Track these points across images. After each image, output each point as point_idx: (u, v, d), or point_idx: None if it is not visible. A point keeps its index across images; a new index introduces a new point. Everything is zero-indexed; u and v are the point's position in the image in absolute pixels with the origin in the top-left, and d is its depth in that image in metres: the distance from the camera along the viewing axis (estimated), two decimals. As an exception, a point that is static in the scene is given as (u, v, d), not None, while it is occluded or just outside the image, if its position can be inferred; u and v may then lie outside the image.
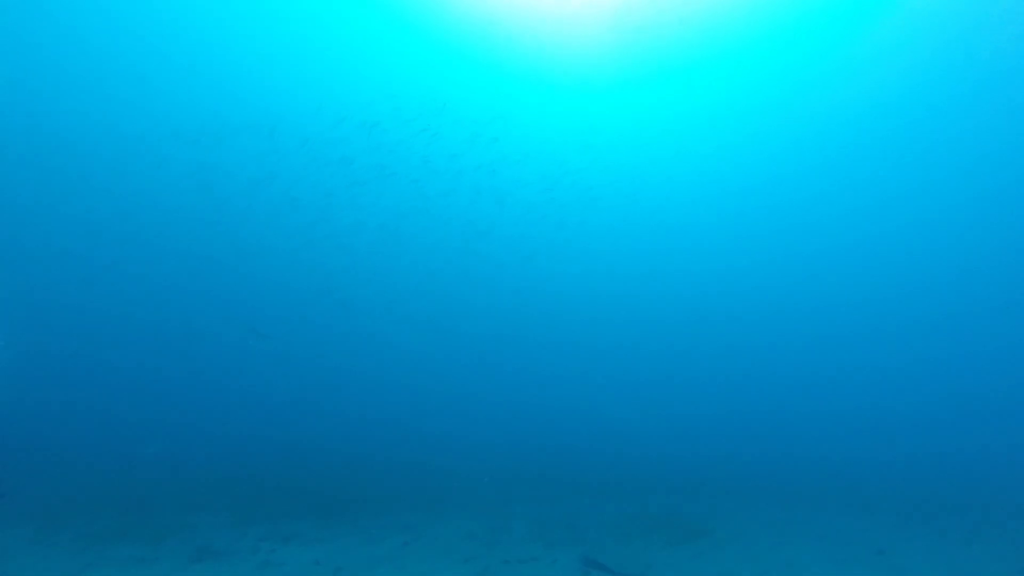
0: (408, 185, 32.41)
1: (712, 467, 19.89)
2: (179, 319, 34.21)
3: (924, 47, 26.11)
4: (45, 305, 30.54)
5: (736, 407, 35.58)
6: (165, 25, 26.20)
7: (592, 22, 26.07)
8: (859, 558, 9.19)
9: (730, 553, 9.42)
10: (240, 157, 30.72)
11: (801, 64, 27.93)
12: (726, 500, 14.14)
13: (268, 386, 33.01)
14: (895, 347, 39.28)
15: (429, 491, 14.20)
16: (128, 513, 10.93)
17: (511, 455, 20.94)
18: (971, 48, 25.59)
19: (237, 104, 29.75)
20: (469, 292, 39.23)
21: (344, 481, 15.14)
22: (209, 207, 31.95)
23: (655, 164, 35.05)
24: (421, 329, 39.16)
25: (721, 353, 41.09)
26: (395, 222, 34.32)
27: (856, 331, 40.48)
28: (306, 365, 35.74)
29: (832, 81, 28.88)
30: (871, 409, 33.99)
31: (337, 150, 30.20)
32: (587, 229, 38.18)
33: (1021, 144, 30.02)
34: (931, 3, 24.02)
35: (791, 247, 39.75)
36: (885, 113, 30.33)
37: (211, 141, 29.37)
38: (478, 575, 8.10)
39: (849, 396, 36.27)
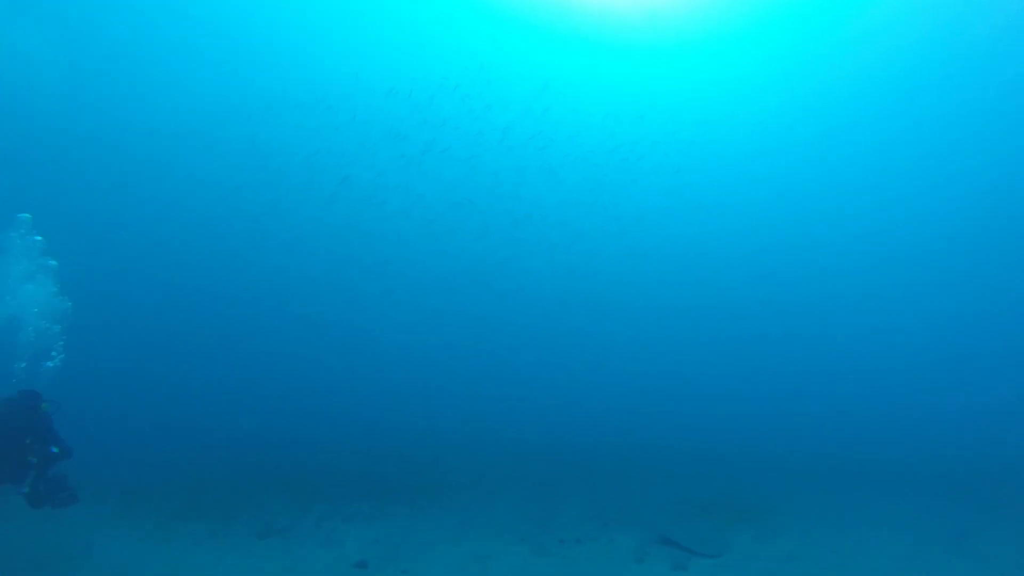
0: (463, 161, 31.91)
1: (768, 448, 19.25)
2: (235, 301, 35.29)
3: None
4: (117, 298, 31.91)
5: (794, 386, 34.27)
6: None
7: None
8: (936, 541, 8.68)
9: (794, 534, 9.08)
10: (291, 134, 30.99)
11: (872, 26, 26.30)
12: (786, 482, 13.66)
13: (323, 370, 33.80)
14: (971, 321, 37.02)
15: (483, 473, 14.32)
16: (199, 493, 11.49)
17: (564, 437, 20.88)
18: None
19: (286, 79, 29.77)
20: (520, 271, 38.93)
21: (400, 463, 15.45)
22: (262, 185, 32.57)
23: (717, 136, 33.53)
24: (473, 309, 39.21)
25: (781, 329, 39.67)
26: (450, 200, 33.90)
27: (927, 307, 38.38)
28: (358, 348, 36.40)
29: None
30: (950, 386, 31.99)
31: (387, 124, 29.94)
32: (640, 205, 37.11)
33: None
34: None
35: (863, 221, 37.74)
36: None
37: (264, 118, 29.58)
38: (534, 553, 8.10)
39: (922, 373, 34.27)
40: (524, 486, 13.03)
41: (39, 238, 8.53)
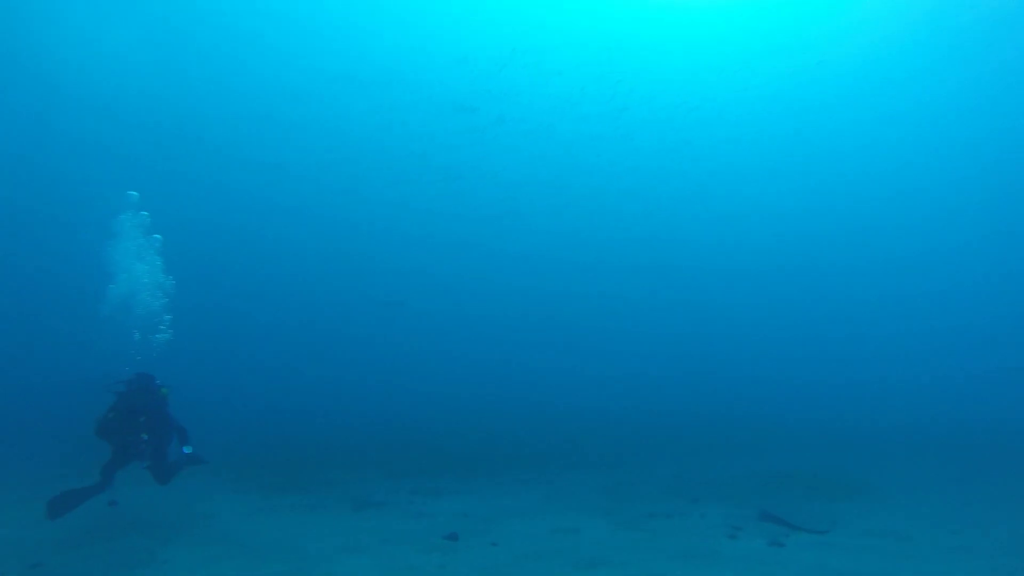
0: (537, 138, 31.04)
1: (867, 418, 18.11)
2: (327, 285, 36.67)
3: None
4: (219, 278, 33.75)
5: (893, 350, 31.99)
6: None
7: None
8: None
9: (903, 510, 8.49)
10: (359, 112, 31.14)
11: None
12: (890, 454, 12.82)
13: (409, 351, 34.78)
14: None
15: (566, 447, 14.37)
16: (299, 468, 12.25)
17: (649, 410, 20.57)
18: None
19: (354, 57, 29.71)
20: (596, 241, 38.08)
21: (484, 439, 15.77)
22: (334, 165, 33.25)
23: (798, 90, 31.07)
24: (555, 287, 38.97)
25: (874, 291, 37.08)
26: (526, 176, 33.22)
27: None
28: (441, 328, 37.13)
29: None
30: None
31: (458, 98, 29.36)
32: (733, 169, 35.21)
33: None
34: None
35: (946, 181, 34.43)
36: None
37: (335, 96, 29.73)
38: (622, 526, 8.03)
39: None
40: (608, 460, 12.96)
41: (146, 214, 9.20)
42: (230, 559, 6.47)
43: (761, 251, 38.68)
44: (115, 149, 31.59)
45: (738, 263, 38.95)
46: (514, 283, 39.17)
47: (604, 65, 28.89)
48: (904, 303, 37.31)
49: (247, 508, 9.05)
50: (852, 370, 30.44)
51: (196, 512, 8.61)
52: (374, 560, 6.53)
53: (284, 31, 28.76)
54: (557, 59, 28.46)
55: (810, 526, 7.81)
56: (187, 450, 7.91)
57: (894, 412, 20.11)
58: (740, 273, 39.04)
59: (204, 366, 23.51)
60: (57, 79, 28.24)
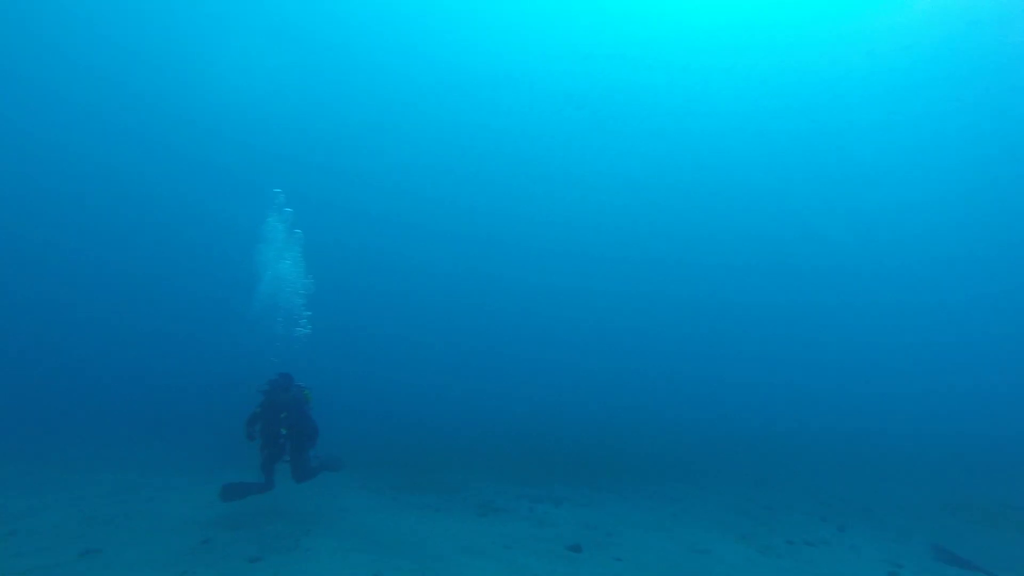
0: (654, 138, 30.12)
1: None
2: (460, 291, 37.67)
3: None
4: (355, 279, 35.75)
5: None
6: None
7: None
8: None
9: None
10: (485, 112, 31.78)
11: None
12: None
13: (541, 363, 34.89)
14: None
15: (697, 463, 13.62)
16: (425, 471, 12.67)
17: (787, 424, 19.03)
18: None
19: (477, 57, 30.52)
20: (730, 247, 35.93)
21: (611, 452, 15.39)
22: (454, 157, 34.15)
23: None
24: (679, 293, 37.32)
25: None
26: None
27: None
28: (568, 339, 36.82)
29: None
30: None
31: (568, 98, 29.12)
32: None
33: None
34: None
35: None
36: None
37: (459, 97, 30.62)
38: (759, 553, 7.39)
39: None
40: (742, 476, 12.11)
41: (289, 210, 9.99)
42: (363, 552, 6.79)
43: (888, 254, 34.75)
44: (265, 150, 34.93)
45: (869, 267, 35.20)
46: (635, 289, 37.98)
47: (732, 58, 27.35)
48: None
49: (378, 505, 9.49)
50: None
51: (332, 506, 9.17)
52: (497, 564, 6.53)
53: (408, 36, 30.21)
54: (681, 54, 27.40)
55: (1004, 570, 6.63)
56: (313, 458, 8.47)
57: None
58: (882, 279, 35.20)
59: (337, 364, 25.12)
60: (215, 96, 31.94)
